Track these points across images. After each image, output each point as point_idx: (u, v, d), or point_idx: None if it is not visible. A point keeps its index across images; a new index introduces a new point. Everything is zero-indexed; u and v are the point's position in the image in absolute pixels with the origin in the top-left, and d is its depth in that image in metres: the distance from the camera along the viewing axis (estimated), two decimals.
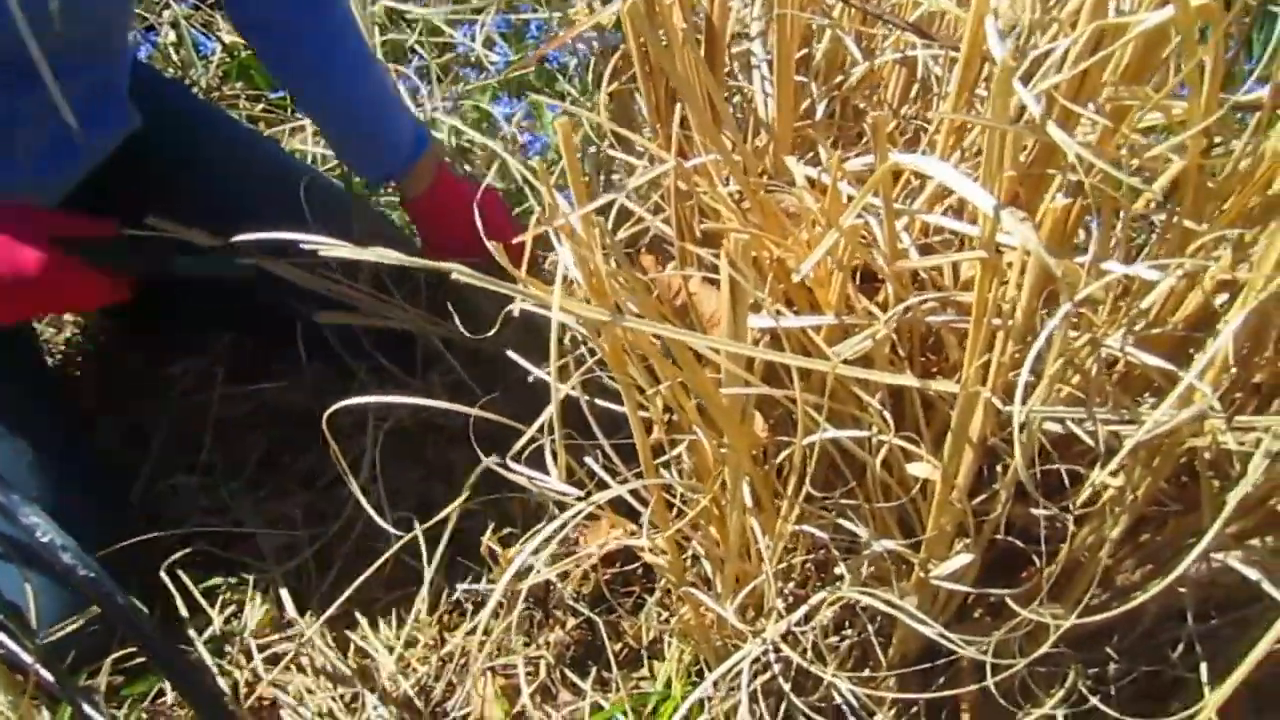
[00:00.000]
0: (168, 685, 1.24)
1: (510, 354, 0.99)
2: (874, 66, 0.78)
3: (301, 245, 0.53)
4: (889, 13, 0.70)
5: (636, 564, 1.29)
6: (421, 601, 1.32)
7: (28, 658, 0.83)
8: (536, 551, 1.26)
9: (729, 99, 0.74)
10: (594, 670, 1.25)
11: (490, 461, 0.93)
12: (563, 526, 0.84)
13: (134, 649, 1.21)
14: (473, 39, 2.14)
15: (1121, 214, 0.61)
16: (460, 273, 0.58)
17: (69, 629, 1.11)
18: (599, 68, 1.91)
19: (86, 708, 0.73)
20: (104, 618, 1.07)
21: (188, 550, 1.31)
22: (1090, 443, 0.63)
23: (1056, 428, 0.68)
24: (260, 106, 1.94)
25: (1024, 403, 0.63)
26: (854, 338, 0.65)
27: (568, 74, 2.03)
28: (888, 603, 0.74)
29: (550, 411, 0.88)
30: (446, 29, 2.15)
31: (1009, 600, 0.73)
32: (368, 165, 1.44)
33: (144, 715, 1.22)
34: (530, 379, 0.96)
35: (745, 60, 0.86)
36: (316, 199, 1.38)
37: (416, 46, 2.14)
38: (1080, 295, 0.54)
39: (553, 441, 0.94)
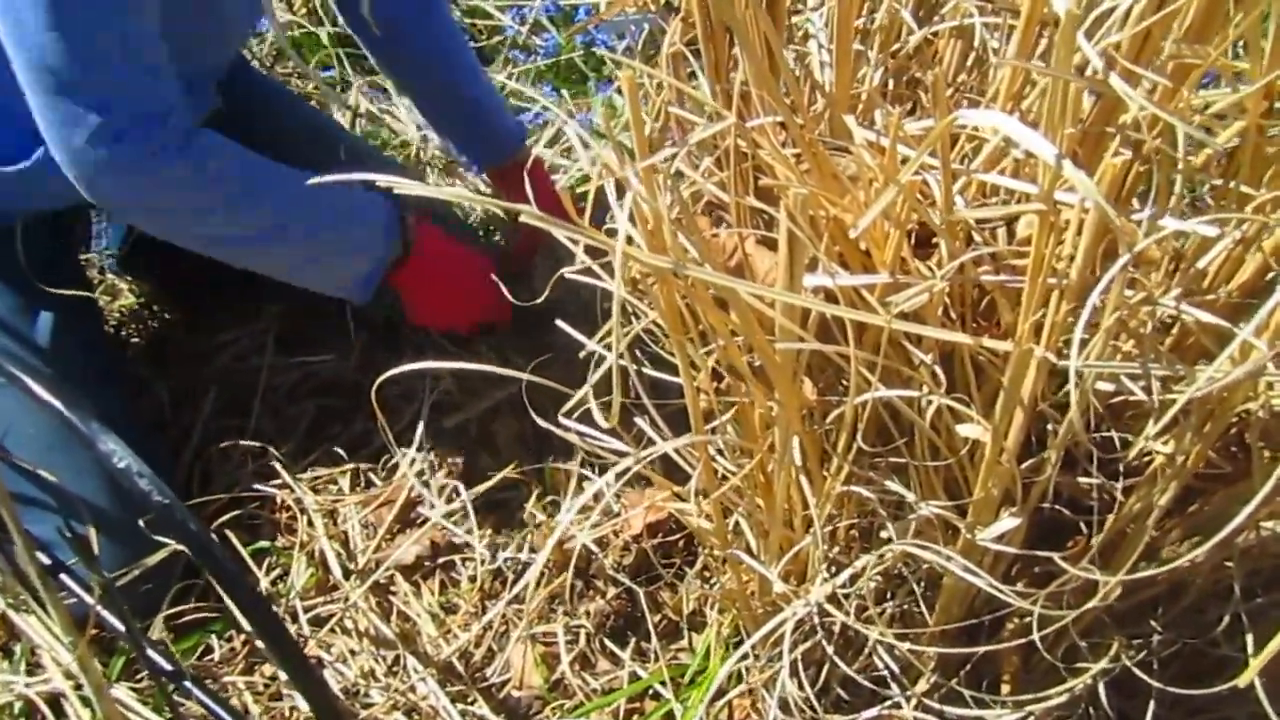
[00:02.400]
0: (215, 642, 1.27)
1: (560, 323, 1.00)
2: (932, 35, 0.79)
3: (379, 183, 0.55)
4: None
5: (678, 535, 1.30)
6: (464, 568, 1.34)
7: (89, 599, 0.85)
8: (584, 512, 1.29)
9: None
10: (633, 640, 1.27)
11: (542, 423, 0.94)
12: (612, 484, 0.85)
13: (185, 606, 1.24)
14: (521, 22, 2.16)
15: (1179, 172, 0.61)
16: (529, 214, 0.59)
17: (125, 580, 1.15)
18: (648, 51, 1.93)
19: (150, 651, 0.75)
20: (171, 558, 1.11)
21: (237, 513, 1.34)
22: (1144, 399, 0.64)
23: (1109, 387, 0.69)
24: (311, 85, 1.97)
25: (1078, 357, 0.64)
26: (908, 290, 0.66)
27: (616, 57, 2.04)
28: (941, 555, 0.74)
29: (600, 373, 0.90)
30: (495, 13, 2.18)
31: (1057, 559, 0.73)
32: (479, 154, 1.58)
33: (192, 668, 1.24)
34: (582, 354, 0.97)
35: (803, 30, 0.87)
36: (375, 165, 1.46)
37: (465, 29, 2.16)
38: (1139, 248, 0.54)
39: (602, 401, 0.96)
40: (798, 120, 0.71)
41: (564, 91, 1.98)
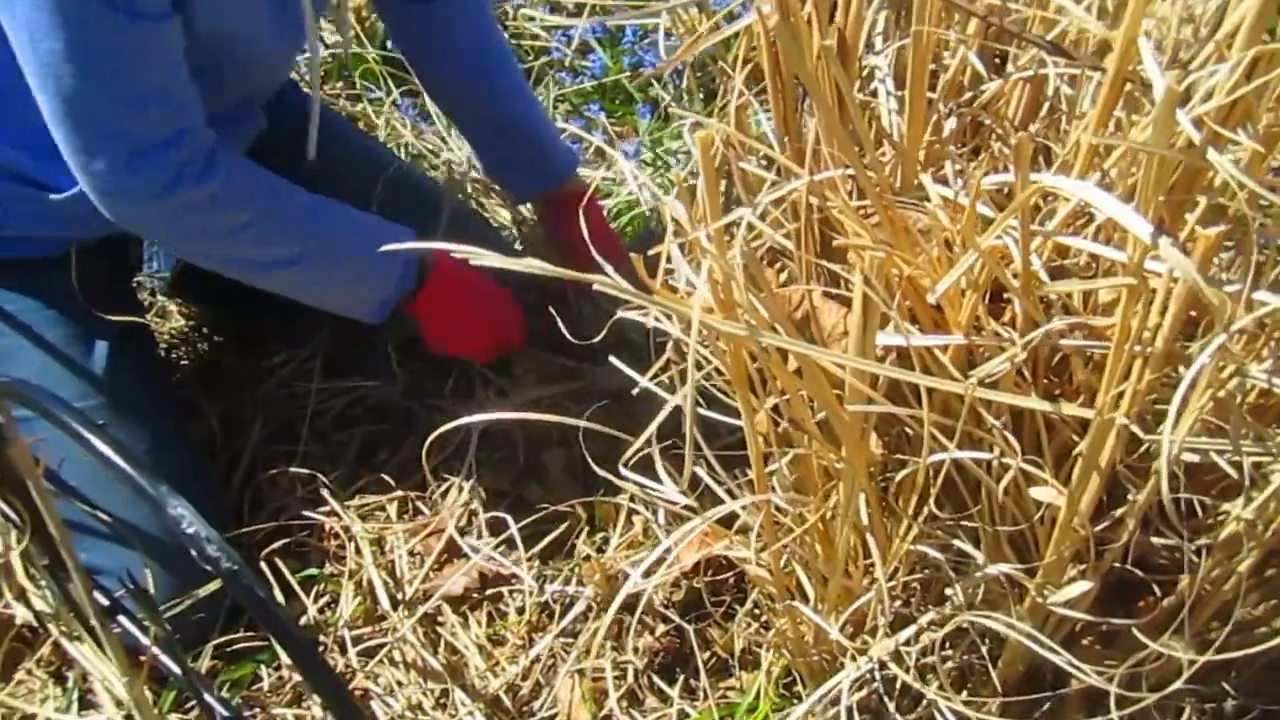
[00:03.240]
0: (264, 671, 1.27)
1: (615, 362, 0.99)
2: (1006, 85, 0.77)
3: (453, 253, 0.55)
4: (1027, 30, 0.69)
5: (728, 573, 1.29)
6: (511, 600, 1.33)
7: (145, 640, 0.85)
8: (633, 547, 1.28)
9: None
10: (681, 678, 1.25)
11: (600, 471, 0.94)
12: (663, 523, 0.84)
13: (235, 635, 1.25)
14: (568, 44, 2.16)
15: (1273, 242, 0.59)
16: (602, 284, 0.58)
17: (177, 610, 1.16)
18: (695, 77, 1.92)
19: (208, 698, 0.75)
20: (236, 608, 1.12)
21: (286, 541, 1.34)
22: (1231, 474, 0.62)
23: (1194, 458, 0.67)
24: (359, 106, 1.97)
25: (1162, 430, 0.62)
26: (991, 360, 0.64)
27: (662, 81, 2.03)
28: (1010, 623, 0.73)
29: (659, 420, 0.89)
30: (542, 34, 2.18)
31: (1136, 632, 0.71)
32: (529, 180, 1.54)
33: (241, 700, 1.25)
34: (635, 391, 0.97)
35: (867, 70, 0.86)
36: (427, 198, 1.47)
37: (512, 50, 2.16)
38: (1236, 326, 0.53)
39: (662, 450, 0.95)
40: (870, 175, 0.70)
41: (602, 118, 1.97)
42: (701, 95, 1.95)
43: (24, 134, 1.14)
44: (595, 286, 0.59)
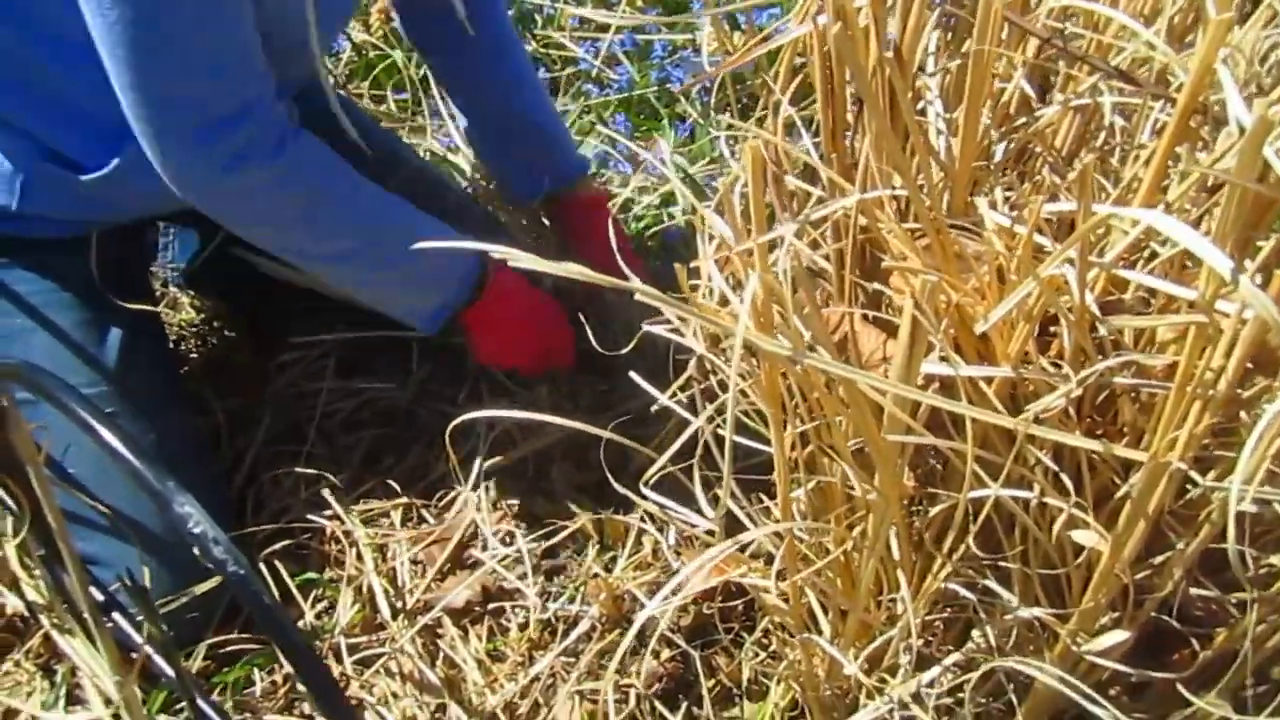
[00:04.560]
0: (257, 675, 1.24)
1: (634, 376, 0.97)
2: (1059, 112, 0.75)
3: (492, 254, 0.52)
4: (1094, 55, 0.67)
5: (738, 599, 1.25)
6: (514, 615, 1.30)
7: (139, 639, 0.82)
8: (641, 568, 1.25)
9: (905, 138, 0.71)
10: (685, 705, 1.22)
11: (620, 488, 0.91)
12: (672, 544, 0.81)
13: (230, 635, 1.22)
14: (595, 55, 2.14)
15: None
16: (644, 293, 0.56)
17: (172, 607, 1.13)
18: (734, 90, 1.90)
19: (201, 703, 0.72)
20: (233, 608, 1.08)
21: (287, 542, 1.31)
22: None
23: (1252, 509, 0.64)
24: (383, 106, 1.96)
25: (1218, 478, 0.59)
26: (1044, 397, 0.61)
27: (689, 96, 2.01)
28: (1042, 669, 0.70)
29: (681, 440, 0.86)
30: (570, 45, 2.16)
31: (1180, 687, 0.68)
32: (539, 180, 1.50)
33: (233, 702, 1.21)
34: (654, 408, 0.94)
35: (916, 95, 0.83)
36: (451, 199, 1.45)
37: (539, 58, 2.14)
38: None
39: (681, 469, 0.92)
40: (923, 196, 0.67)
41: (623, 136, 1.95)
42: (728, 114, 1.93)
43: (55, 112, 1.12)
44: (636, 296, 0.56)
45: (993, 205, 0.73)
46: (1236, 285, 0.48)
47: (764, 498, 1.08)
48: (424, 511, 1.38)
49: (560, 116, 1.58)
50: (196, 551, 0.56)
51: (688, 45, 2.14)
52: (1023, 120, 0.76)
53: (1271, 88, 0.61)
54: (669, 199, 1.76)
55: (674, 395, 0.91)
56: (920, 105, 0.80)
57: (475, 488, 1.37)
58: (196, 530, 0.54)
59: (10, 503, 0.91)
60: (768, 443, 0.81)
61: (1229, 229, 0.51)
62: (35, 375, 0.59)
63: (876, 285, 0.75)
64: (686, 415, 0.88)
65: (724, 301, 0.68)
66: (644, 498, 0.87)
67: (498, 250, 0.53)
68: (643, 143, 1.98)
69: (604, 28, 2.24)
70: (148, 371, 1.27)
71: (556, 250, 1.61)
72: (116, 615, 0.84)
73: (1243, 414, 0.61)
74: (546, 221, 1.62)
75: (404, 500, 1.39)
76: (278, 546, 1.30)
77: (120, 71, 1.00)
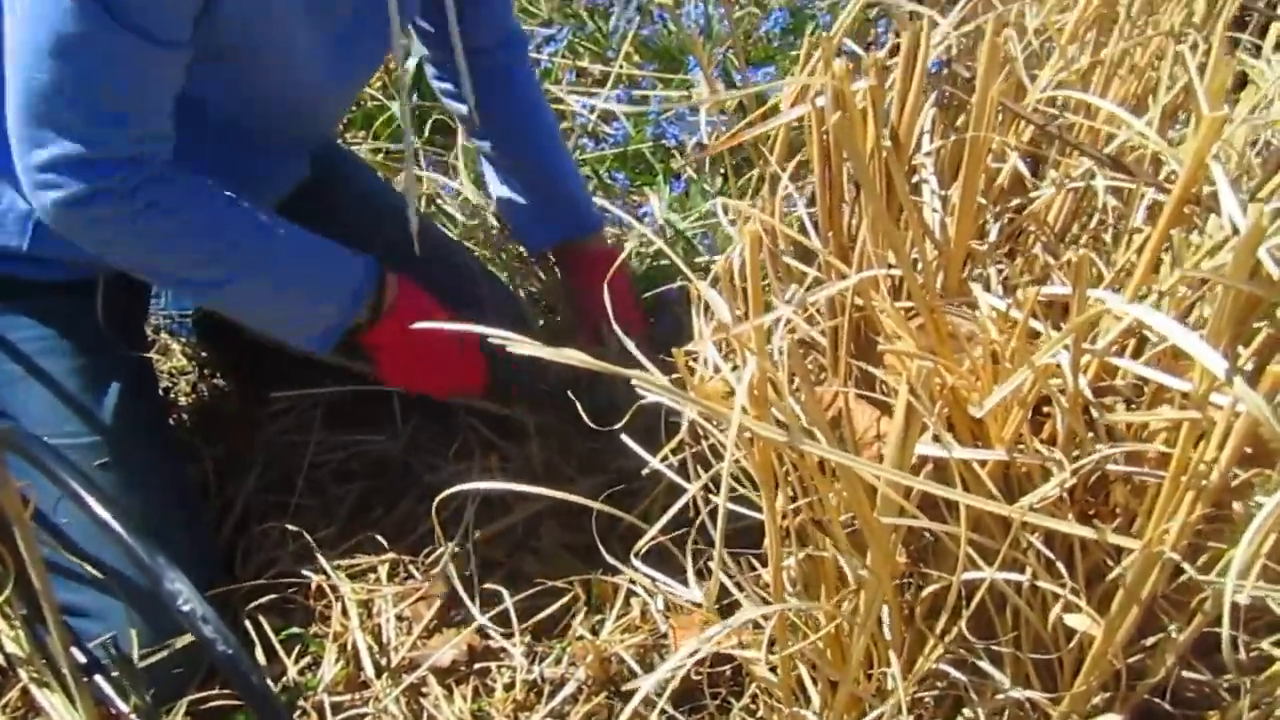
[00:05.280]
0: None
1: (626, 439, 0.97)
2: (1051, 193, 0.76)
3: (491, 339, 0.52)
4: (1087, 143, 0.68)
5: (725, 665, 1.24)
6: (499, 675, 1.29)
7: (124, 707, 0.81)
8: (629, 631, 1.24)
9: (900, 216, 0.72)
10: None
11: (611, 559, 0.90)
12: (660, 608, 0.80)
13: (211, 692, 1.20)
14: (592, 110, 2.16)
15: None
16: (640, 380, 0.56)
17: (155, 660, 1.11)
18: (723, 154, 1.91)
19: None
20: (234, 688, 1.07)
21: (273, 596, 1.30)
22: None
23: (1246, 601, 0.64)
24: (381, 156, 1.97)
25: (1211, 565, 0.59)
26: (1041, 486, 0.62)
27: (684, 152, 2.03)
28: None
29: (673, 512, 0.86)
30: (567, 99, 2.18)
31: None
32: (553, 228, 1.53)
33: None
34: (645, 471, 0.94)
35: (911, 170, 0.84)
36: (457, 259, 1.49)
37: None
38: None
39: (672, 538, 0.92)
40: (918, 277, 0.68)
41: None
42: (722, 171, 1.95)
43: None
44: (633, 382, 0.57)
45: (986, 286, 0.73)
46: (1230, 383, 0.49)
47: (755, 563, 1.08)
48: (411, 567, 1.37)
49: (578, 172, 1.60)
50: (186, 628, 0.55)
51: (683, 101, 2.17)
52: (1016, 201, 0.77)
53: (1264, 179, 0.62)
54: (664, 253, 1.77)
55: (665, 459, 0.91)
56: (915, 179, 0.81)
57: (463, 544, 1.36)
58: (186, 608, 0.53)
59: None
60: (759, 508, 0.81)
61: (1223, 325, 0.52)
62: (25, 442, 0.59)
63: (869, 368, 0.76)
64: (678, 480, 0.88)
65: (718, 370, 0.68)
66: (634, 568, 0.86)
67: (495, 334, 0.53)
68: (638, 198, 2.00)
69: (600, 82, 2.26)
70: (142, 419, 1.27)
71: (563, 296, 1.62)
72: (99, 680, 0.83)
73: (1235, 503, 0.61)
74: (556, 268, 1.64)
75: (391, 555, 1.37)
76: (264, 600, 1.29)
77: (17, 92, 1.00)
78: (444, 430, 1.48)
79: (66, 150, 1.01)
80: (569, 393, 1.24)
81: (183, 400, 1.59)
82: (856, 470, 0.62)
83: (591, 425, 1.03)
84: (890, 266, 0.70)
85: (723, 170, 1.99)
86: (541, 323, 1.66)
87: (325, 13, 1.17)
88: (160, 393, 1.48)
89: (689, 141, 2.05)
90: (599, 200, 1.87)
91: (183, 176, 1.11)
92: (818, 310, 0.80)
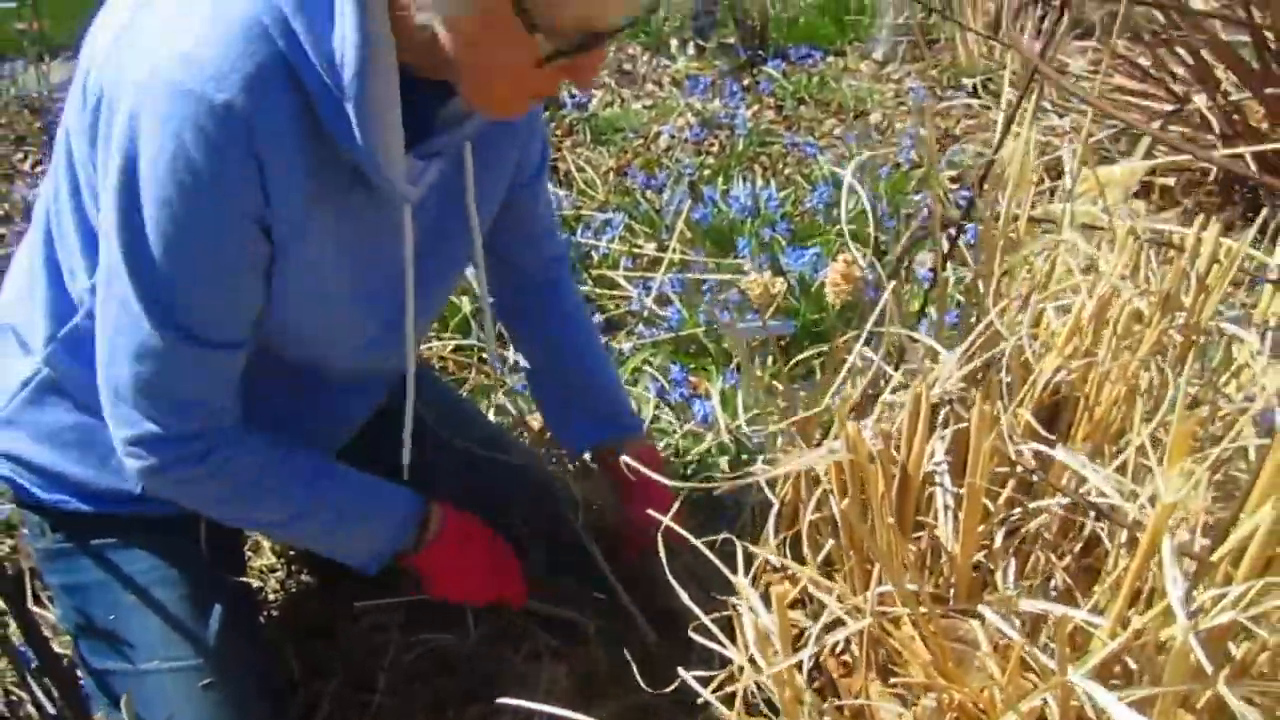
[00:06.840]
0: None
1: (683, 673, 1.07)
2: (1052, 516, 0.87)
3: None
4: (1079, 493, 0.79)
5: None
6: None
7: None
8: None
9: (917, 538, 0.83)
10: None
11: None
12: None
13: None
14: (647, 294, 2.31)
15: None
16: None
17: None
18: (769, 353, 2.05)
19: None
20: None
21: None
22: None
23: None
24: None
25: None
26: None
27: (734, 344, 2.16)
28: None
29: None
30: (623, 283, 2.34)
31: None
32: (592, 430, 1.64)
33: None
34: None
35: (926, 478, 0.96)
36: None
37: (592, 298, 2.32)
38: None
39: None
40: (924, 609, 0.79)
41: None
42: (772, 358, 2.08)
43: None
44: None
45: (995, 588, 0.84)
46: None
47: None
48: None
49: (619, 380, 1.72)
50: None
51: (734, 287, 2.31)
52: (1017, 519, 0.88)
53: (1219, 535, 0.73)
54: (717, 449, 1.89)
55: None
56: (929, 490, 0.93)
57: None
58: None
59: None
60: None
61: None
62: None
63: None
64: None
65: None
66: None
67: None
68: (694, 381, 2.13)
69: (655, 263, 2.42)
70: (242, 635, 1.40)
71: (607, 492, 1.73)
72: None
73: None
74: (595, 466, 1.75)
75: None
76: None
77: (102, 373, 1.17)
78: (514, 632, 1.58)
79: (146, 430, 1.19)
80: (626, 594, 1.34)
81: (271, 596, 1.73)
82: None
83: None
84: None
85: (771, 353, 2.13)
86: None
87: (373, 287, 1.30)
88: (253, 600, 1.61)
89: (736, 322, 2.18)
90: (655, 389, 2.00)
91: (250, 436, 1.27)
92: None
